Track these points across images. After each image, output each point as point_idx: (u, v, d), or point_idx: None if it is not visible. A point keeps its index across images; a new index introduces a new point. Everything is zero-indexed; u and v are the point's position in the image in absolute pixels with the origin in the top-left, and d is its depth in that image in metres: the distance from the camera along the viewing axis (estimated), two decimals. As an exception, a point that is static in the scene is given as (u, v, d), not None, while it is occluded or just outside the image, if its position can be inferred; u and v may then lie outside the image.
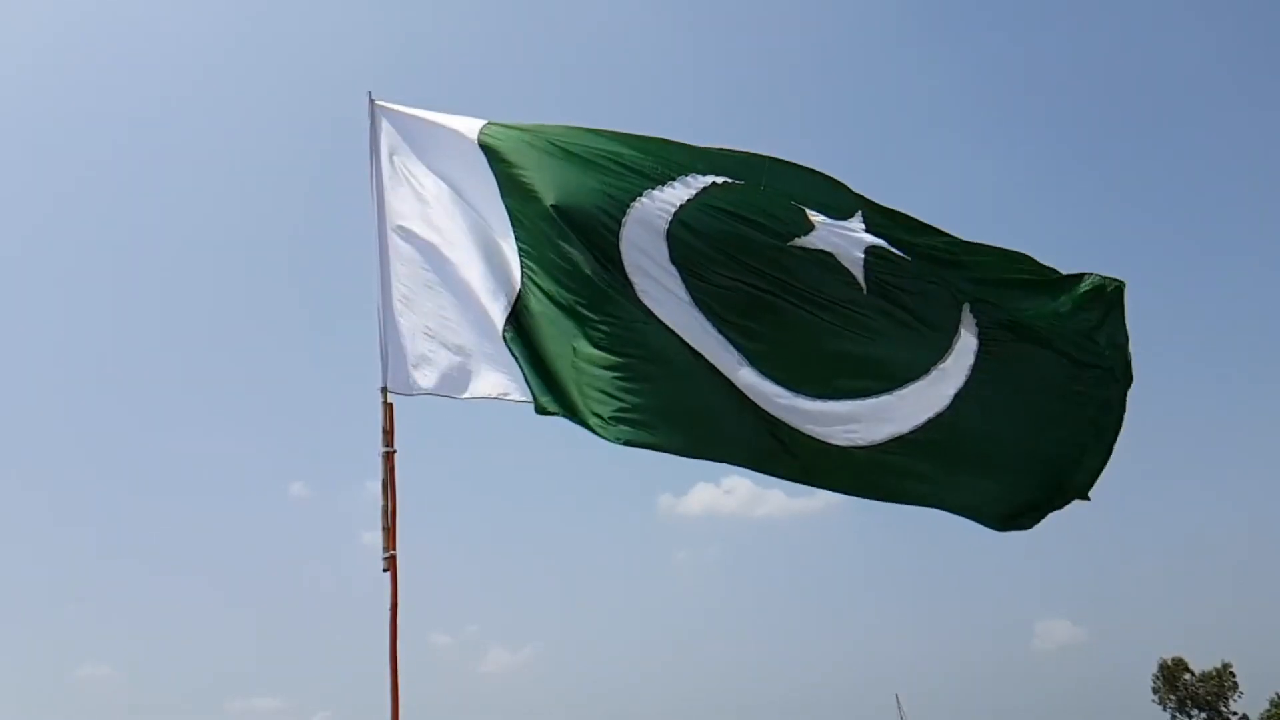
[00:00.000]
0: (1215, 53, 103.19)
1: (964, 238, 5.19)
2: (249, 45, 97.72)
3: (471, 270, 5.67)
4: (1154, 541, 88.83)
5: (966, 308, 5.04)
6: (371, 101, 5.99)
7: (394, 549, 5.17)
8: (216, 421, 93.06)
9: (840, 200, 5.15)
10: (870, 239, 5.05)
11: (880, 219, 5.13)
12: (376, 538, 5.23)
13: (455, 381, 5.56)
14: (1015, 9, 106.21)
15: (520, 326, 5.45)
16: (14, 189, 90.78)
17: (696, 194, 5.22)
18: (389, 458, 5.35)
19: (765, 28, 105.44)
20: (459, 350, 5.60)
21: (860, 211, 5.11)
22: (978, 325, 5.03)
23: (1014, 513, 5.12)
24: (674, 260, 5.22)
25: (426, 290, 5.75)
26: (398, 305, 5.74)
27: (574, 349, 5.21)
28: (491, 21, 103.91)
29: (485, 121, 5.79)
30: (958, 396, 4.98)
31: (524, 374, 5.37)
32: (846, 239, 5.07)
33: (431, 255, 5.80)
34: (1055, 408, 5.07)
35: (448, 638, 73.52)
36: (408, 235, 5.85)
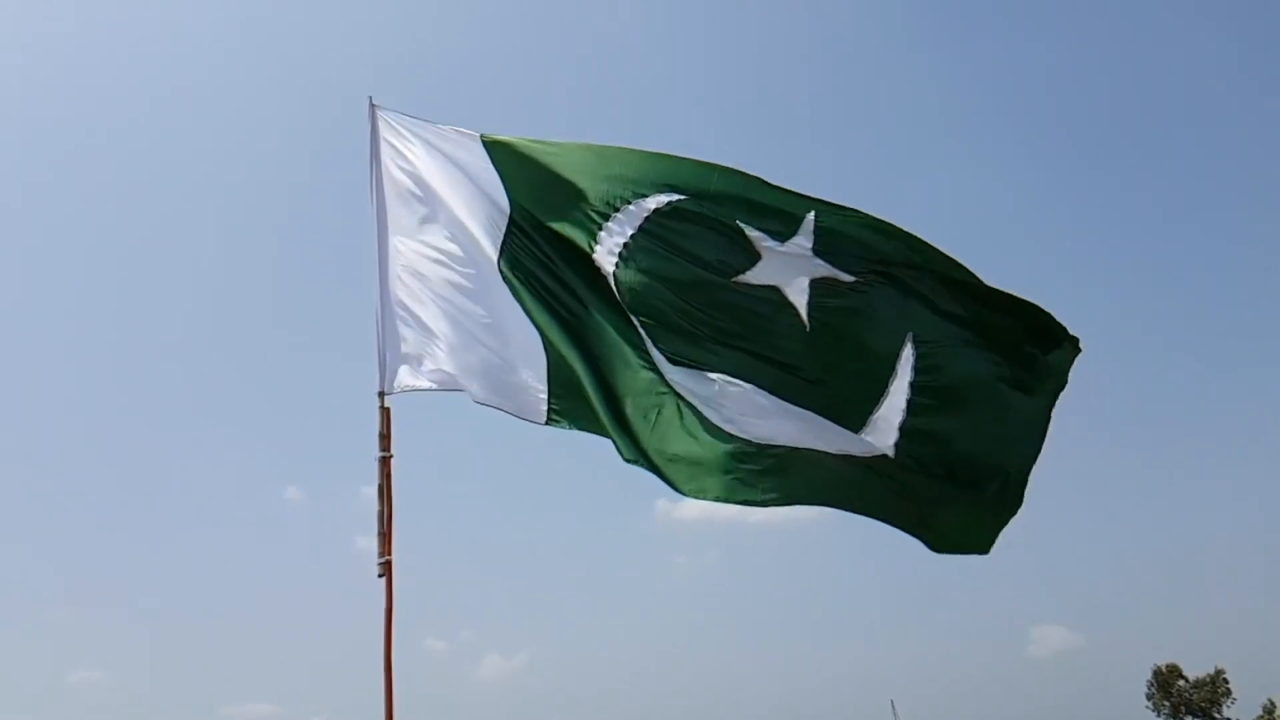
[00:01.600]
0: (1219, 61, 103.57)
1: (927, 240, 4.95)
2: (248, 49, 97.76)
3: (475, 270, 5.65)
4: (1149, 548, 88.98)
5: (909, 338, 4.87)
6: (372, 106, 6.00)
7: (390, 554, 5.15)
8: (211, 425, 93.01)
9: (788, 210, 4.99)
10: (817, 265, 4.91)
11: (832, 221, 4.94)
12: (371, 542, 5.20)
13: (452, 380, 5.55)
14: (1018, 19, 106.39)
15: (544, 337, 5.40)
16: (5, 190, 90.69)
17: (641, 224, 5.17)
18: (385, 462, 5.34)
19: (769, 35, 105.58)
20: (458, 351, 5.58)
21: (812, 213, 4.94)
22: (915, 359, 4.86)
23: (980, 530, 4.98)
24: (621, 298, 5.22)
25: (427, 291, 5.73)
26: (396, 309, 5.74)
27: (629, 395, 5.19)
28: (492, 28, 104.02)
29: (478, 134, 5.79)
30: (897, 445, 4.82)
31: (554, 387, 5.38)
32: (792, 266, 4.94)
33: (433, 257, 5.77)
34: (994, 430, 4.93)
35: (443, 643, 73.31)
36: (409, 238, 5.84)
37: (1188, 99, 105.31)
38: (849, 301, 4.92)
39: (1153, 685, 57.74)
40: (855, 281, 4.90)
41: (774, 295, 4.97)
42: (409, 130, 5.96)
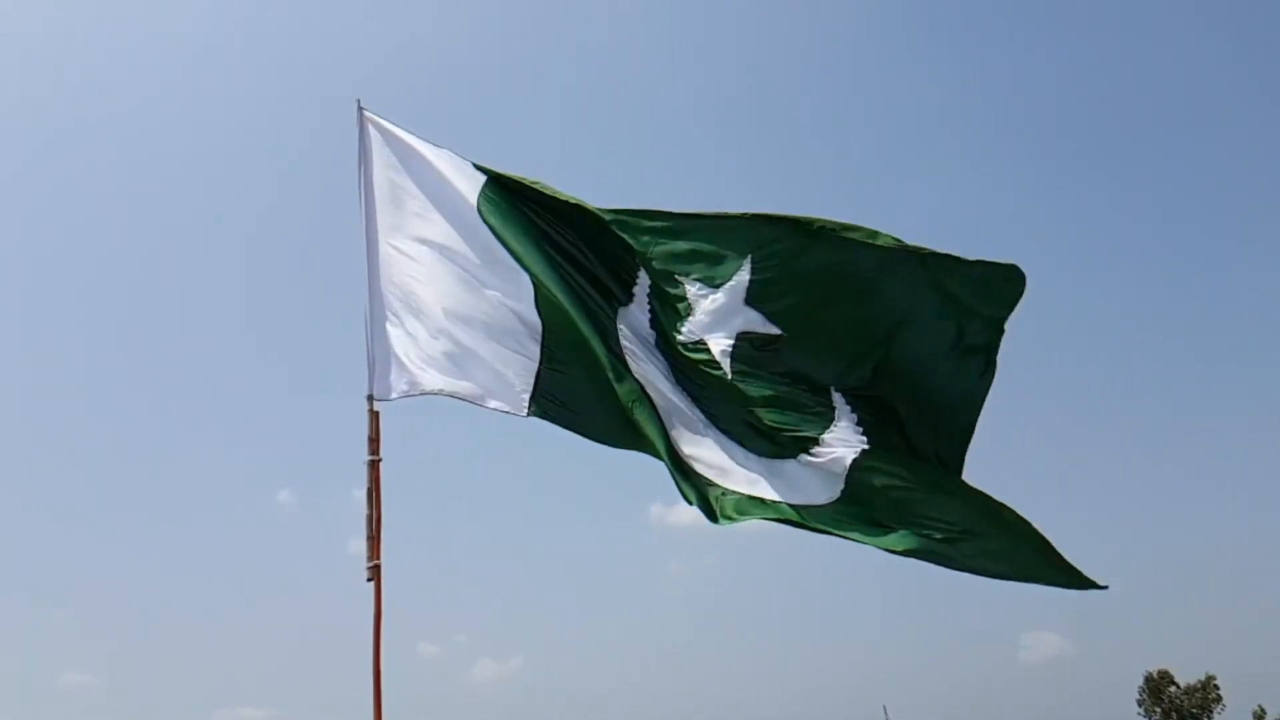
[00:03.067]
0: (1219, 62, 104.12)
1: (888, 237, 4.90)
2: (238, 50, 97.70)
3: (469, 267, 5.67)
4: (1141, 554, 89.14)
5: (832, 388, 4.92)
6: (360, 110, 6.00)
7: (378, 558, 5.14)
8: (204, 428, 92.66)
9: (727, 254, 5.06)
10: (747, 316, 4.99)
11: (772, 260, 4.98)
12: (363, 546, 5.19)
13: (442, 383, 5.54)
14: (1018, 20, 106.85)
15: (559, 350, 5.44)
16: None
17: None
18: (374, 466, 5.33)
19: (768, 38, 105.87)
20: (446, 351, 5.58)
21: (749, 258, 5.01)
22: (849, 405, 4.91)
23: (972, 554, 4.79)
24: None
25: (417, 294, 5.72)
26: (387, 313, 5.72)
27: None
28: (488, 35, 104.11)
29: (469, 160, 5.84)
30: (853, 468, 4.80)
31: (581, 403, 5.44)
32: (720, 318, 5.05)
33: (424, 259, 5.78)
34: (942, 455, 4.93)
35: (436, 647, 73.23)
36: (399, 240, 5.83)
37: (1187, 100, 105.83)
38: (771, 358, 5.00)
39: (1144, 691, 57.84)
40: (780, 336, 4.99)
41: (699, 347, 5.12)
42: (398, 133, 5.97)
